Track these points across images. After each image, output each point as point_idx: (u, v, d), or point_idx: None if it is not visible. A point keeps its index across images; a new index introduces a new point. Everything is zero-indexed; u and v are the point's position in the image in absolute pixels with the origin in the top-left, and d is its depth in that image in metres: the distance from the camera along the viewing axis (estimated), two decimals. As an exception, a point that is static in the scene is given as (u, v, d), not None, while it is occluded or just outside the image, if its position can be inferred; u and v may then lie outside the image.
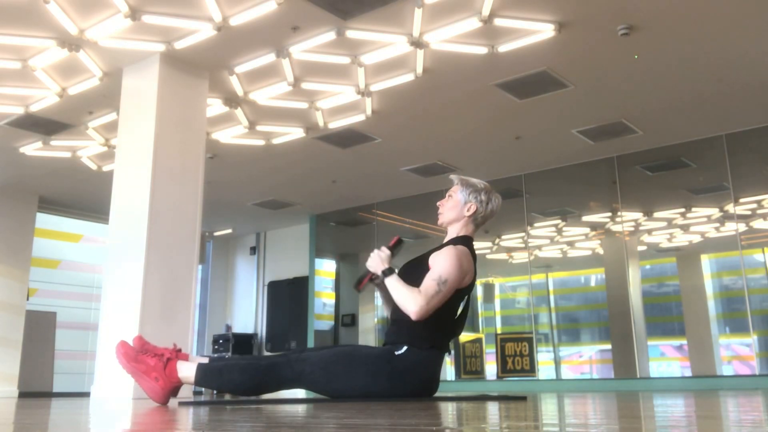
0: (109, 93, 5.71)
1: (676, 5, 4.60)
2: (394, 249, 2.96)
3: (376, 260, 2.91)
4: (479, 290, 8.92)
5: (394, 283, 2.80)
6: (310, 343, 9.61)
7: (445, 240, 2.98)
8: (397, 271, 2.90)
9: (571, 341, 8.53)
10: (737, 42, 5.11)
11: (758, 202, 6.92)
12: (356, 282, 3.02)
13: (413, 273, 2.84)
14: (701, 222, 7.37)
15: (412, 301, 2.70)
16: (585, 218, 8.13)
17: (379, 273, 2.87)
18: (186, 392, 4.67)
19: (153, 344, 2.80)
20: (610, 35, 4.95)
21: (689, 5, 4.60)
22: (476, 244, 2.97)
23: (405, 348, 2.74)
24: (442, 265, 2.77)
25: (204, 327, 11.02)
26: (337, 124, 6.47)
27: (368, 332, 9.42)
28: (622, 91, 5.93)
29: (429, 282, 2.73)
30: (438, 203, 3.04)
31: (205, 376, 2.68)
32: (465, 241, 2.91)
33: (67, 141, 6.90)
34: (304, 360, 2.74)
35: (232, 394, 2.90)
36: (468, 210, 2.94)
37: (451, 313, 2.87)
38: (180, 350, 2.77)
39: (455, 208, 2.96)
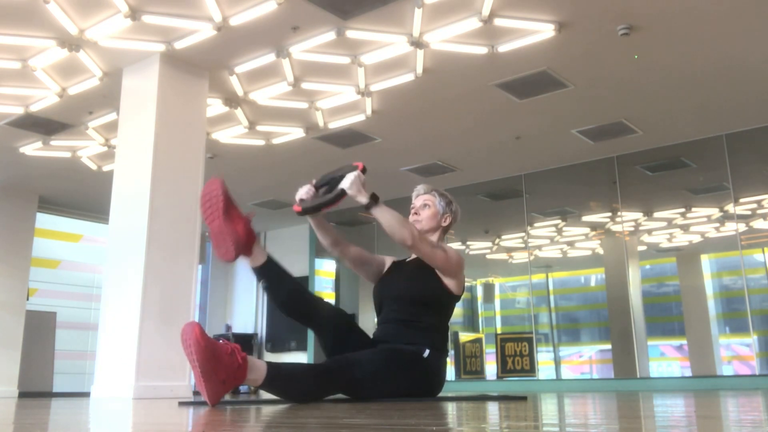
0: (109, 93, 5.71)
1: (676, 5, 4.60)
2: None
3: (358, 184, 2.61)
4: (479, 290, 8.93)
5: (383, 212, 2.62)
6: (310, 342, 9.60)
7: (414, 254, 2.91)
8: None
9: (571, 341, 8.54)
10: (737, 42, 5.11)
11: (758, 202, 6.91)
12: (320, 204, 2.69)
13: (420, 276, 2.81)
14: (701, 222, 7.37)
15: (406, 231, 2.59)
16: (585, 218, 8.13)
17: (364, 201, 2.60)
18: (186, 392, 4.67)
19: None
20: (610, 35, 4.95)
21: (689, 5, 4.60)
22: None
23: (428, 351, 2.72)
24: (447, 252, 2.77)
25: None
26: (337, 124, 6.47)
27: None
28: (622, 91, 5.93)
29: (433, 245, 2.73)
30: (416, 209, 2.94)
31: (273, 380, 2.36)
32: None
33: (67, 141, 6.89)
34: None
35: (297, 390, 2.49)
36: (445, 221, 2.94)
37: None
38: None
39: (434, 218, 2.92)
